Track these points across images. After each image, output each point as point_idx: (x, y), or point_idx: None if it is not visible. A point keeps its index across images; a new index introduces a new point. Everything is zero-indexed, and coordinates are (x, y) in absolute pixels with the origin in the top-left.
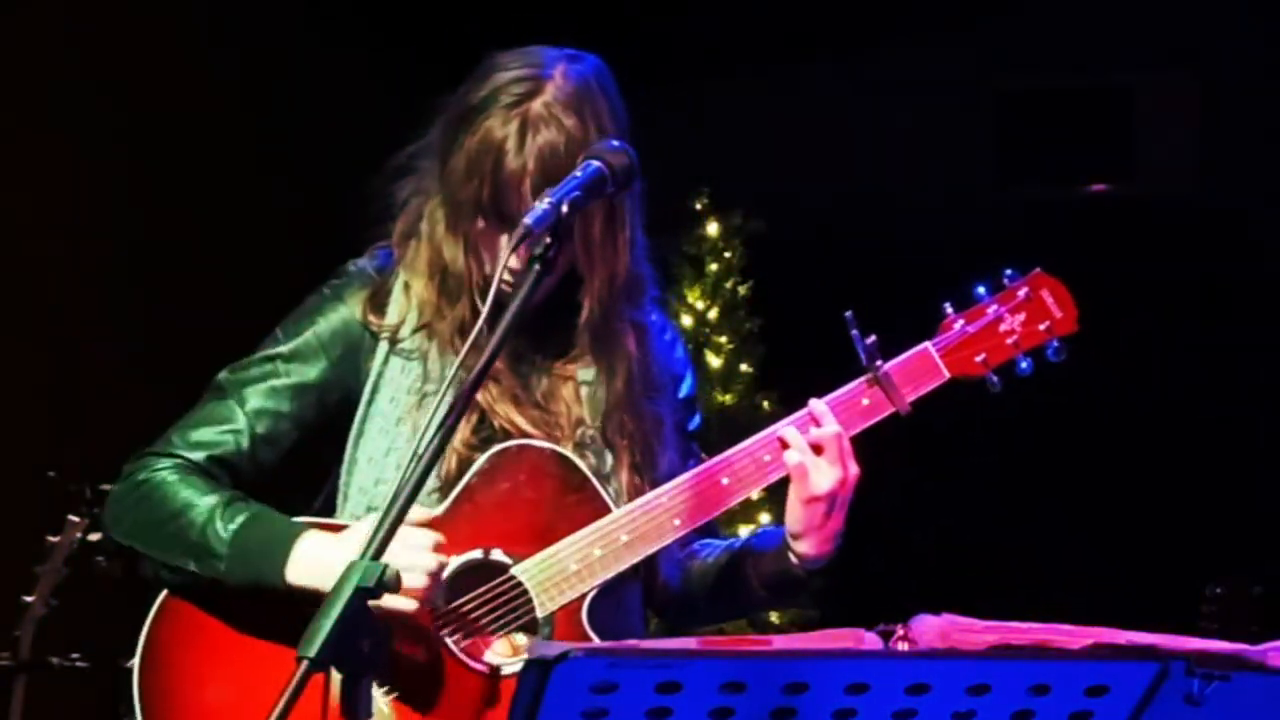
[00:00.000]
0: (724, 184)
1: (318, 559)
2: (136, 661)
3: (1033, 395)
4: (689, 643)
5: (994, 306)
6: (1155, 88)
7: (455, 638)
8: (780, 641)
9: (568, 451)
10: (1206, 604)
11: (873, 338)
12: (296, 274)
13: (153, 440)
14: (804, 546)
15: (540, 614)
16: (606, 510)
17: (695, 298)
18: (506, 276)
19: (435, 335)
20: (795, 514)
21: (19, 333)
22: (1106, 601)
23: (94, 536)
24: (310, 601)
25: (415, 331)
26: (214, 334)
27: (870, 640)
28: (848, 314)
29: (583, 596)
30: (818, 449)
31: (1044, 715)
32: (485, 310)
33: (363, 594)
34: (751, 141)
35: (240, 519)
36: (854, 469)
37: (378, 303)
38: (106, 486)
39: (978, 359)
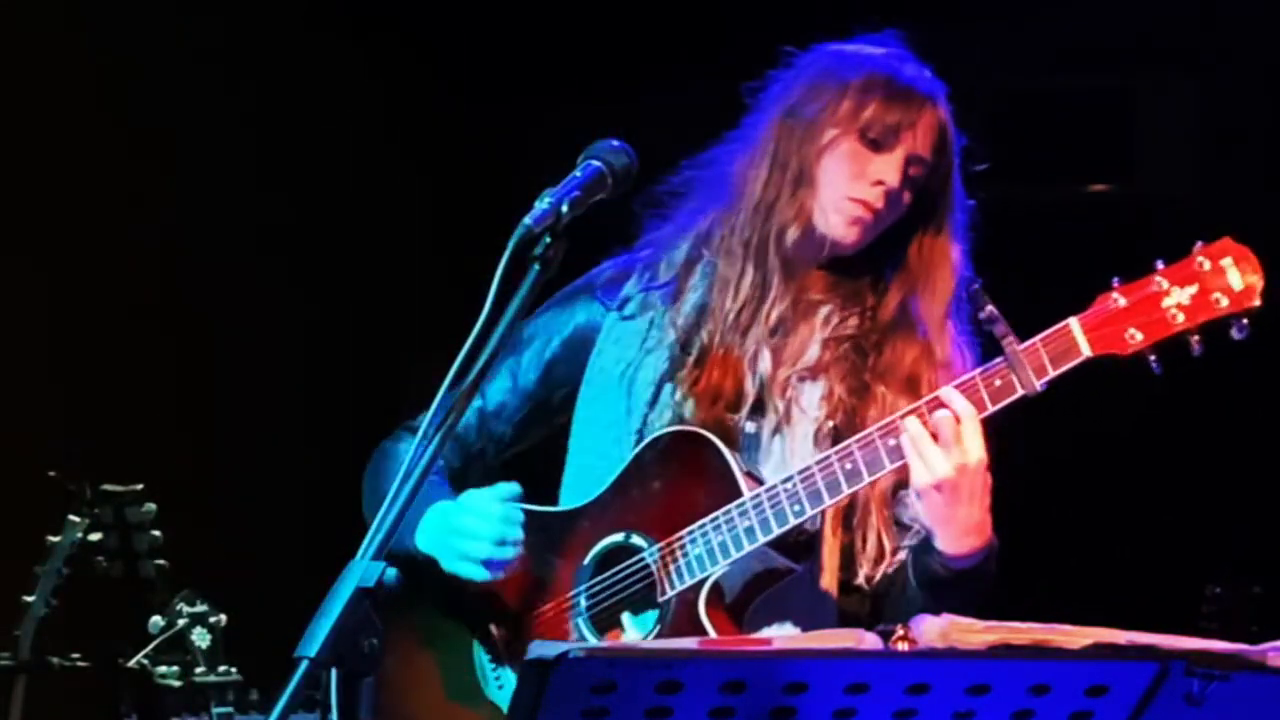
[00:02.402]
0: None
1: (437, 527)
2: None
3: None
4: (689, 643)
5: (1160, 279)
6: (1155, 88)
7: (584, 619)
8: (780, 641)
9: (714, 438)
10: (1206, 604)
11: (991, 310)
12: (298, 274)
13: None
14: (939, 542)
15: (660, 598)
16: (738, 495)
17: None
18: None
19: (670, 286)
20: (918, 506)
21: (18, 332)
22: (1106, 601)
23: (94, 536)
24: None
25: (643, 291)
26: (215, 334)
27: (870, 640)
28: (974, 288)
29: (701, 583)
30: (935, 435)
31: (1044, 715)
32: (485, 310)
33: (363, 594)
34: None
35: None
36: (975, 454)
37: (617, 284)
38: (107, 486)
39: (1128, 335)
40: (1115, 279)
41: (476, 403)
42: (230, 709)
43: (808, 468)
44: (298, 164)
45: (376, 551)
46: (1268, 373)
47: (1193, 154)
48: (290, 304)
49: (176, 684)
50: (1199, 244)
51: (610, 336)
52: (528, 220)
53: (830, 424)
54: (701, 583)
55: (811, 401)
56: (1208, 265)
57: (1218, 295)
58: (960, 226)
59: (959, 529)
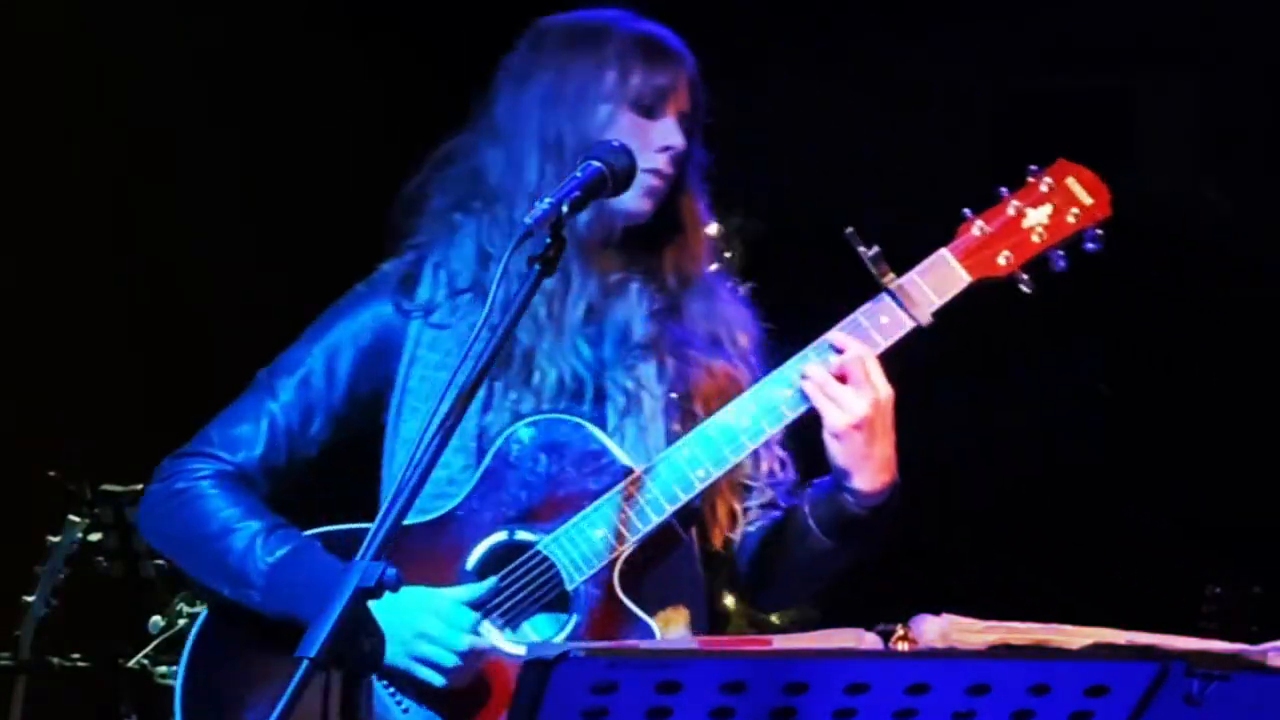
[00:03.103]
0: (724, 184)
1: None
2: (179, 683)
3: (1031, 394)
4: (689, 643)
5: (1014, 203)
6: (1155, 88)
7: (491, 625)
8: (780, 641)
9: (581, 420)
10: (1206, 604)
11: (875, 249)
12: (298, 274)
13: (190, 436)
14: (856, 482)
15: (569, 587)
16: (627, 473)
17: None
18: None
19: (475, 289)
20: (834, 448)
21: (19, 332)
22: (1106, 601)
23: (94, 536)
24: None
25: (451, 297)
26: (215, 334)
27: (870, 640)
28: (849, 230)
29: (613, 564)
30: (842, 377)
31: (1044, 715)
32: (485, 310)
33: (363, 594)
34: (751, 141)
35: (281, 553)
36: (885, 390)
37: (409, 287)
38: (107, 486)
39: (1000, 259)
40: (967, 210)
41: (285, 423)
42: None
43: (702, 430)
44: (298, 164)
45: (376, 551)
46: (1268, 374)
47: (1193, 154)
48: (291, 304)
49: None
50: (1032, 167)
51: (423, 344)
52: (528, 220)
53: (673, 395)
54: (612, 563)
55: (650, 378)
56: (1054, 186)
57: (1072, 211)
58: (700, 181)
59: (875, 466)
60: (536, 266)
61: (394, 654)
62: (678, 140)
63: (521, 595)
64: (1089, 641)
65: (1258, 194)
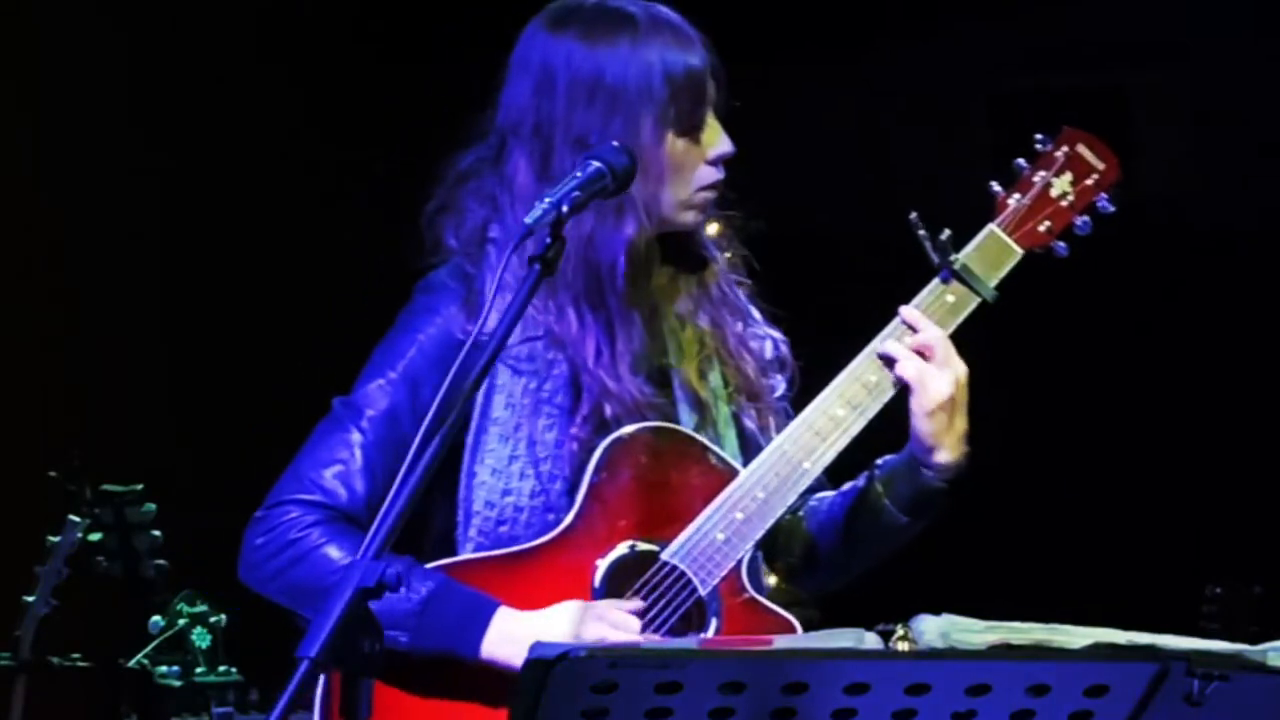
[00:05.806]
0: (724, 184)
1: (515, 636)
2: None
3: (1031, 394)
4: (689, 643)
5: (1039, 174)
6: (1152, 88)
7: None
8: (780, 641)
9: (677, 427)
10: (1206, 604)
11: (947, 233)
12: (300, 279)
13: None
14: (940, 456)
15: (704, 592)
16: (734, 473)
17: None
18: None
19: (556, 343)
20: (924, 426)
21: (19, 332)
22: (1106, 601)
23: (94, 536)
24: (500, 672)
25: (525, 341)
26: (215, 334)
27: (870, 640)
28: (913, 215)
29: (739, 564)
30: (924, 356)
31: (1044, 715)
32: (486, 310)
33: (364, 594)
34: (751, 142)
35: (425, 590)
36: (963, 367)
37: (472, 309)
38: (107, 486)
39: (1042, 229)
40: (994, 184)
41: (380, 460)
42: (230, 709)
43: (801, 423)
44: (297, 168)
45: (377, 551)
46: (1268, 372)
47: (1189, 154)
48: (293, 304)
49: (176, 684)
50: (1039, 136)
51: (501, 374)
52: (528, 220)
53: (742, 398)
54: (739, 564)
55: (719, 382)
56: (1069, 154)
57: (1092, 176)
58: None
59: (956, 439)
60: (536, 267)
61: None
62: (726, 144)
63: (659, 608)
64: (1089, 641)
65: (1254, 192)
